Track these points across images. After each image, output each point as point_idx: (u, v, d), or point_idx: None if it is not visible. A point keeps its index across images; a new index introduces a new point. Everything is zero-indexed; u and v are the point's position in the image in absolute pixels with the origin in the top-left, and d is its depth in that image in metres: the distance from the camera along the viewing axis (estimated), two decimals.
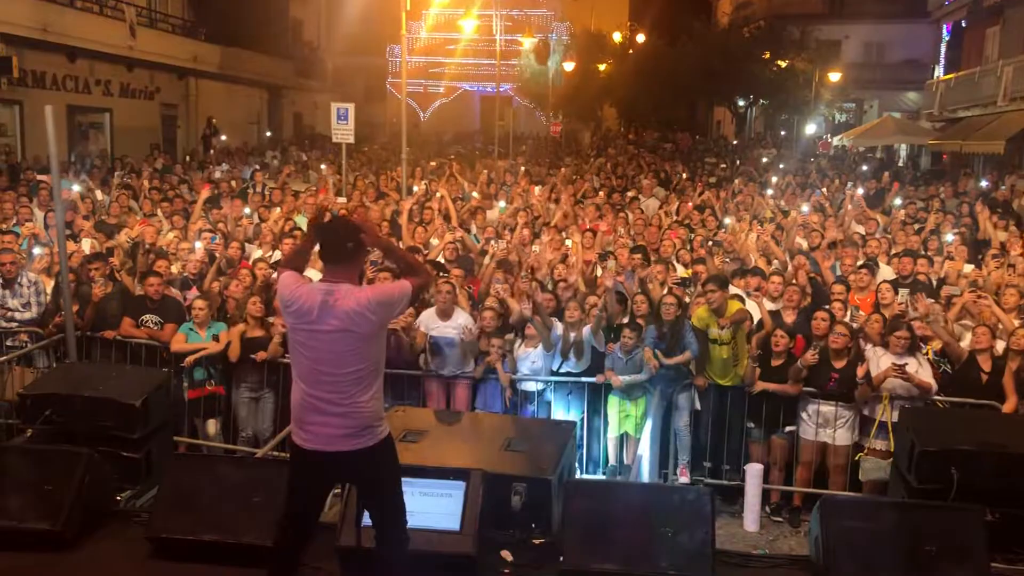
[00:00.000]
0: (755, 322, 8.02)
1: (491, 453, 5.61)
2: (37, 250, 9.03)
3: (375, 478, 4.22)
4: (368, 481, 4.26)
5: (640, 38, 39.19)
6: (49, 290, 8.55)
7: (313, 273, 8.85)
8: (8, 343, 8.19)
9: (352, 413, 4.03)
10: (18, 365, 8.00)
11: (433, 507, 4.88)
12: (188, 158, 24.40)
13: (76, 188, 13.12)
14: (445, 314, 7.68)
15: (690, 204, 14.57)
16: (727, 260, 10.03)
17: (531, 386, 7.69)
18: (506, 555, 5.04)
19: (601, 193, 16.26)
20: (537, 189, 15.80)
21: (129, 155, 21.94)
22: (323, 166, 19.19)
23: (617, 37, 39.86)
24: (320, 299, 4.00)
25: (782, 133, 35.78)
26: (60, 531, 4.97)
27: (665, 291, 8.21)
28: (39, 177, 14.10)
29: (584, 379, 7.68)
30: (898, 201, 14.75)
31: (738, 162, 27.42)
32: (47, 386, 6.19)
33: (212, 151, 25.97)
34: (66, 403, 6.00)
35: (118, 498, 5.82)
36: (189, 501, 5.06)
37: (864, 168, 24.74)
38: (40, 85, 20.90)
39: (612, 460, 7.79)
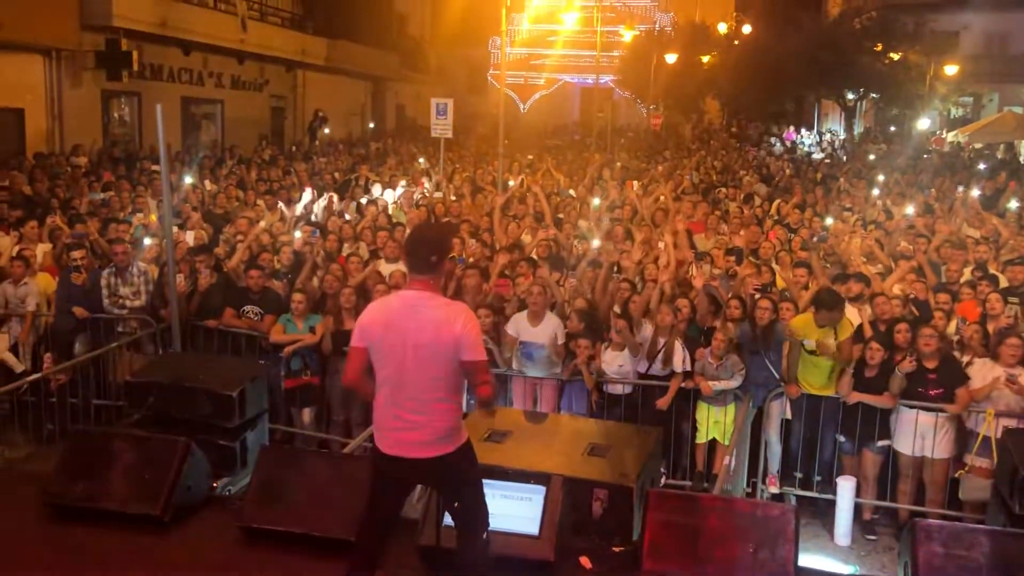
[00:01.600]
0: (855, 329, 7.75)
1: (573, 457, 5.61)
2: (148, 240, 9.44)
3: (454, 484, 4.29)
4: (448, 486, 4.33)
5: (746, 29, 38.32)
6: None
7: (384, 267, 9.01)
8: (119, 329, 8.62)
9: (432, 421, 4.10)
10: (128, 350, 8.43)
11: (513, 510, 4.91)
12: (294, 148, 25.13)
13: (188, 179, 13.64)
14: (536, 318, 7.68)
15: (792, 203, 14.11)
16: (827, 264, 9.72)
17: (617, 389, 7.64)
18: (585, 562, 5.03)
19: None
20: (635, 184, 15.61)
21: (238, 145, 22.76)
22: (420, 160, 19.46)
23: (722, 28, 39.07)
24: (406, 307, 4.09)
25: (891, 128, 34.42)
26: (158, 515, 5.20)
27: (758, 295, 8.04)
28: (153, 168, 14.74)
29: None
30: (1014, 204, 13.96)
31: (845, 158, 26.57)
32: (150, 374, 6.50)
33: (317, 142, 26.66)
34: (167, 391, 6.30)
35: (214, 484, 6.05)
36: (278, 492, 5.23)
37: (981, 167, 23.56)
38: (157, 77, 21.81)
39: (700, 467, 7.69)
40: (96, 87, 19.97)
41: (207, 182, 14.79)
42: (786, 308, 7.73)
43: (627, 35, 35.17)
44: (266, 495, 5.23)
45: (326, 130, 27.77)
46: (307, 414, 8.41)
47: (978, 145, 28.96)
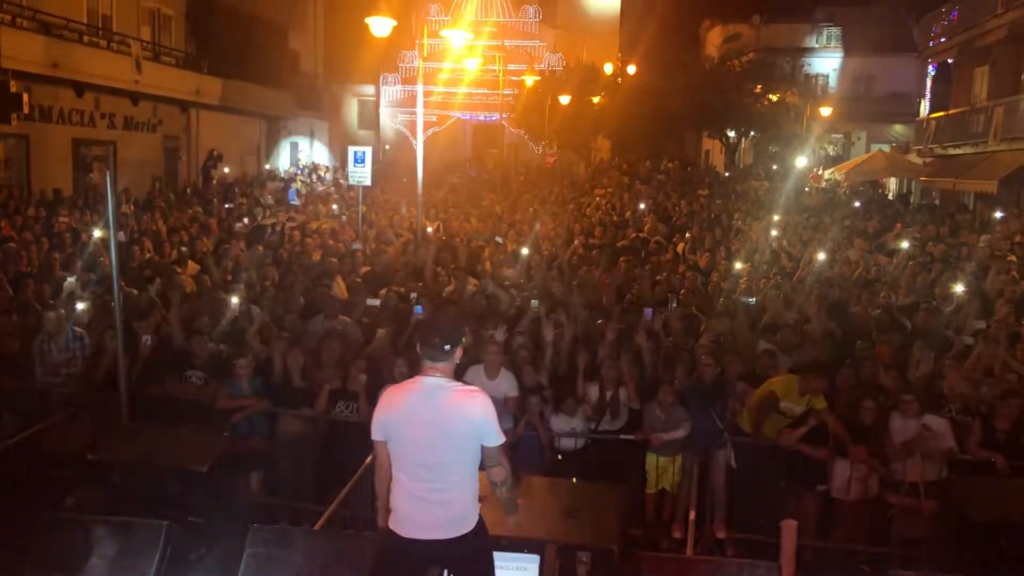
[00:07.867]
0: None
1: (555, 520, 5.76)
2: (80, 305, 9.12)
3: (470, 562, 4.41)
4: (464, 564, 4.44)
5: (631, 70, 39.67)
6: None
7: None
8: (54, 398, 8.28)
9: (453, 502, 4.23)
10: (64, 420, 8.11)
11: None
12: (188, 190, 24.54)
13: (98, 233, 13.15)
14: (493, 373, 7.84)
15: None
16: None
17: (570, 445, 7.86)
18: None
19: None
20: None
21: (131, 188, 22.07)
22: (334, 207, 19.35)
23: (608, 69, 40.32)
24: (425, 393, 4.21)
25: (774, 167, 36.27)
26: None
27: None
28: (62, 219, 14.19)
29: (623, 436, 7.89)
30: (905, 244, 14.80)
31: (733, 196, 27.76)
32: (114, 452, 6.32)
33: (213, 182, 26.14)
34: (133, 469, 6.15)
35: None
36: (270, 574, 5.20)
37: (857, 204, 25.04)
38: (47, 119, 21.00)
39: (650, 515, 7.98)
40: None
41: (120, 232, 14.28)
42: (730, 362, 8.14)
43: (529, 80, 35.90)
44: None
45: (226, 169, 27.22)
46: (254, 479, 8.29)
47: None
